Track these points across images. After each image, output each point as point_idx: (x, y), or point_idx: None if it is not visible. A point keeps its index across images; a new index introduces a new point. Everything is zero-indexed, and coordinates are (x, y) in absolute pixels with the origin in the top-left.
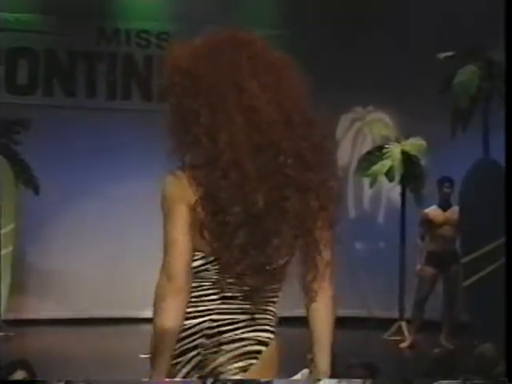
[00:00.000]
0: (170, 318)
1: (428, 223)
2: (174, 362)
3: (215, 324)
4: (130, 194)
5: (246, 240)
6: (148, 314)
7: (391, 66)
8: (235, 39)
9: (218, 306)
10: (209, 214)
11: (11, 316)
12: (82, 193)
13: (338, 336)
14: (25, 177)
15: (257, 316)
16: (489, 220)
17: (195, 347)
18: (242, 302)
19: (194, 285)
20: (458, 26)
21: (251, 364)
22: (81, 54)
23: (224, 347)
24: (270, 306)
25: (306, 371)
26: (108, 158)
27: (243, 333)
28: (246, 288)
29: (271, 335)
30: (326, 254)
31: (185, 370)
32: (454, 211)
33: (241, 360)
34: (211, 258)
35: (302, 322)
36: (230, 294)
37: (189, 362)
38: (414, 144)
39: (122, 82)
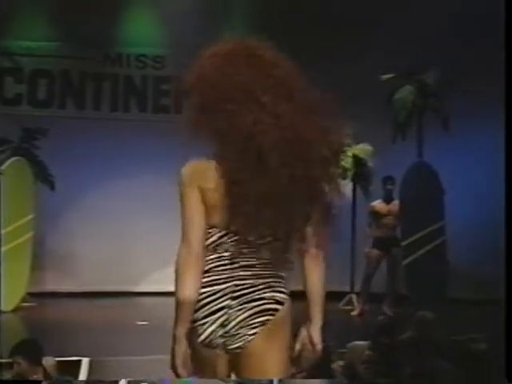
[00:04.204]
0: (192, 288)
1: (374, 214)
2: (203, 321)
3: (238, 288)
4: (128, 189)
5: (254, 218)
6: (147, 287)
7: (345, 84)
8: (249, 53)
9: (238, 273)
10: (226, 196)
11: (33, 289)
12: (90, 188)
13: (302, 305)
14: (43, 176)
15: (272, 280)
16: (423, 211)
17: (222, 308)
18: (258, 269)
19: (214, 256)
20: (397, 52)
21: (268, 320)
22: (90, 74)
23: (245, 305)
24: (281, 272)
25: None
26: (111, 159)
27: (263, 293)
28: (259, 257)
29: (286, 296)
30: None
31: (211, 329)
32: (395, 204)
33: (260, 316)
34: (224, 232)
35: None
36: (246, 263)
37: (215, 321)
38: (363, 149)
39: (123, 97)
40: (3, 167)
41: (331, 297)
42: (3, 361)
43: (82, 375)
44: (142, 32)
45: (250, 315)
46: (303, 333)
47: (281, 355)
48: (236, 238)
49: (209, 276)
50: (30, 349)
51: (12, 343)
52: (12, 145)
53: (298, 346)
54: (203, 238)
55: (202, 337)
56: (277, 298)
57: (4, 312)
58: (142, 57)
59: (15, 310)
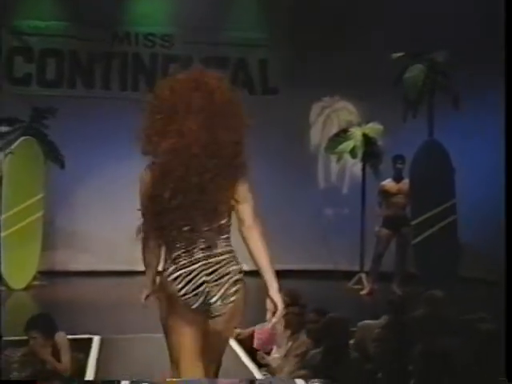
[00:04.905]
0: (152, 255)
1: (384, 193)
2: (193, 294)
3: (207, 266)
4: (138, 169)
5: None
6: None
7: (355, 63)
8: (198, 82)
9: (200, 256)
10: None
11: (44, 268)
12: (99, 167)
13: (312, 284)
14: (53, 155)
15: (228, 255)
16: (433, 190)
17: (202, 283)
18: (215, 248)
19: (177, 245)
20: (408, 31)
21: (239, 288)
22: (98, 53)
23: (220, 281)
24: (229, 247)
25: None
26: (120, 139)
27: (229, 267)
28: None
29: (241, 265)
30: (243, 209)
31: (200, 300)
32: (405, 183)
33: (233, 286)
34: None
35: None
36: (204, 246)
37: (202, 294)
38: (373, 128)
39: (132, 76)
40: (13, 147)
41: (341, 276)
42: (16, 338)
43: (93, 353)
44: (150, 11)
45: (228, 288)
46: (267, 302)
47: (241, 313)
48: (184, 228)
49: (180, 261)
50: (45, 323)
51: (25, 321)
52: (22, 124)
53: (268, 315)
54: (153, 227)
55: (194, 306)
56: (237, 269)
57: (16, 290)
58: (150, 36)
59: (27, 289)
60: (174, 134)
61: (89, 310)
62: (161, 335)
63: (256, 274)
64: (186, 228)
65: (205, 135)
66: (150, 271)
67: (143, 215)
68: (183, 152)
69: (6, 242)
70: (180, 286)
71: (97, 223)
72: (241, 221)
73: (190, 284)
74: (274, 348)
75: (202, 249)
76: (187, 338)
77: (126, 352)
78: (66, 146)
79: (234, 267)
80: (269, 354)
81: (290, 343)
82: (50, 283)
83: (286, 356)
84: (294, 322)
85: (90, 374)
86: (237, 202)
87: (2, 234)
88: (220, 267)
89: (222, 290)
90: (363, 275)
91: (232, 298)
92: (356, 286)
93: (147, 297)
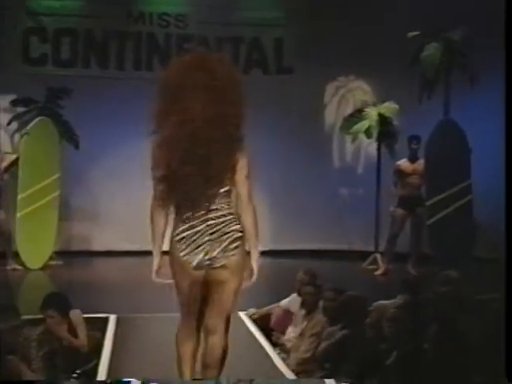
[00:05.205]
0: (160, 224)
1: (399, 173)
2: (195, 252)
3: (210, 226)
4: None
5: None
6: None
7: (370, 43)
8: (203, 65)
9: (206, 217)
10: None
11: (59, 248)
12: (114, 146)
13: (327, 265)
14: (68, 135)
15: (230, 217)
16: (448, 170)
17: (205, 242)
18: (219, 211)
19: (184, 208)
20: (423, 10)
21: (239, 244)
22: (113, 33)
23: (222, 238)
24: (232, 210)
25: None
26: (134, 119)
27: (230, 227)
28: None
29: (240, 226)
30: (241, 186)
31: (199, 257)
32: (420, 163)
33: (234, 242)
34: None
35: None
36: (211, 208)
37: (201, 251)
38: (389, 107)
39: (146, 56)
40: (29, 127)
41: (356, 256)
42: (33, 317)
43: (110, 331)
44: None
45: (229, 243)
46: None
47: (243, 269)
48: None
49: (187, 223)
50: (60, 301)
51: (41, 300)
52: (37, 105)
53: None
54: (162, 194)
55: (194, 263)
56: (238, 229)
57: (32, 270)
58: (164, 15)
59: (43, 268)
60: (179, 111)
61: (105, 289)
62: (176, 314)
63: (271, 254)
64: (192, 194)
65: (208, 110)
66: (157, 243)
67: (154, 182)
68: (188, 125)
69: (22, 222)
70: (184, 246)
71: (112, 203)
72: (237, 197)
73: (193, 244)
74: (290, 327)
75: (206, 212)
76: (191, 295)
77: (142, 331)
78: (81, 126)
79: (235, 227)
80: (284, 333)
81: (305, 323)
82: (66, 263)
83: (301, 335)
84: (310, 301)
85: (106, 352)
86: (236, 174)
87: (19, 214)
88: (222, 227)
89: (223, 245)
90: (378, 255)
91: (232, 252)
92: (371, 267)
93: (157, 271)
